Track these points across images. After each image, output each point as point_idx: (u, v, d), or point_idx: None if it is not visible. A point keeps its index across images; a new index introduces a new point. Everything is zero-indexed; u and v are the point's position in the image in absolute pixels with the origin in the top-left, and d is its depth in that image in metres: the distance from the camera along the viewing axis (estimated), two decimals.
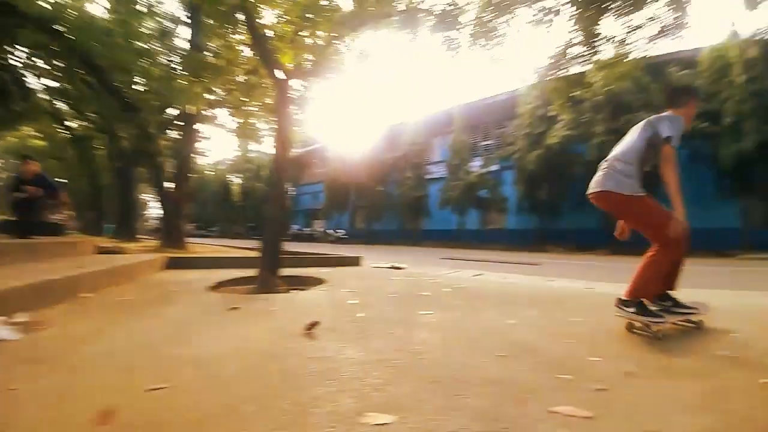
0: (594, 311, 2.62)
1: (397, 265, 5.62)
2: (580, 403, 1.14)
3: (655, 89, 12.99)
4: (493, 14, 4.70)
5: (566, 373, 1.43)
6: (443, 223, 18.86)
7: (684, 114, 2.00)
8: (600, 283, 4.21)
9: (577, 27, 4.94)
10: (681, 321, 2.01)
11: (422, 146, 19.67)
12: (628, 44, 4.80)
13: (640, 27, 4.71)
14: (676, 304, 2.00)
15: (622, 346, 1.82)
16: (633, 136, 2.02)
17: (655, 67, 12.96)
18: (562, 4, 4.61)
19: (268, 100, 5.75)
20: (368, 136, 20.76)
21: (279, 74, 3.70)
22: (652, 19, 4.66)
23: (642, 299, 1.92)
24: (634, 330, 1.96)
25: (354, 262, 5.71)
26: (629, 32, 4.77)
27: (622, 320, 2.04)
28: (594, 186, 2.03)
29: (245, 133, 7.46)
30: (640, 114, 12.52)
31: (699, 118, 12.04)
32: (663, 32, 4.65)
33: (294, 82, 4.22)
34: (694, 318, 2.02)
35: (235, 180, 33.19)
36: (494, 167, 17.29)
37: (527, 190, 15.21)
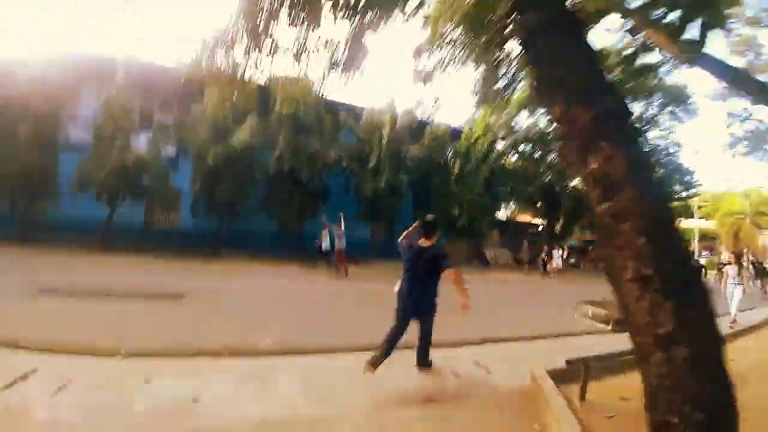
0: None
1: None
2: None
3: (329, 123, 15.07)
4: None
5: None
6: (85, 212, 12.98)
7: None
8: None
9: (241, 14, 3.74)
10: None
11: (59, 93, 12.74)
12: (300, 63, 4.18)
13: (311, 50, 4.20)
14: None
15: None
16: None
17: (331, 107, 15.26)
18: None
19: None
20: None
21: None
22: (327, 44, 4.21)
23: None
24: None
25: None
26: (300, 49, 4.12)
27: None
28: None
29: None
30: (313, 138, 14.15)
31: (352, 160, 15.17)
32: (334, 66, 4.33)
33: None
34: None
35: None
36: (169, 151, 13.91)
37: (205, 187, 13.21)
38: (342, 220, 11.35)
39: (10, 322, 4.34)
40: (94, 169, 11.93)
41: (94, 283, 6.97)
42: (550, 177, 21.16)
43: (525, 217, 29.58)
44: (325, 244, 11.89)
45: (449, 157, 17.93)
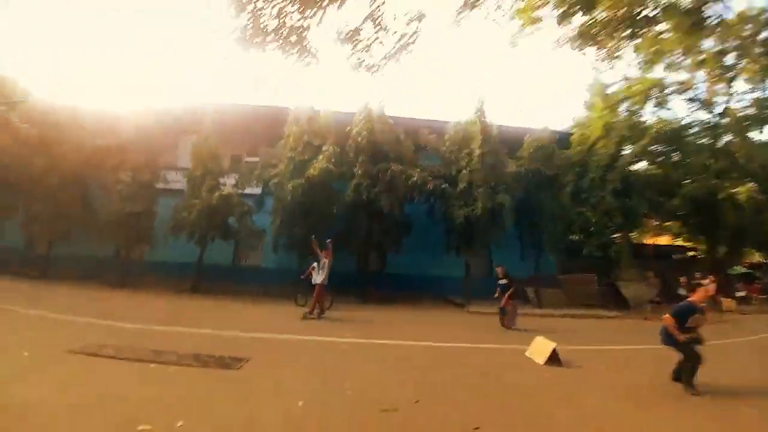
0: None
1: None
2: None
3: (407, 146, 13.35)
4: None
5: None
6: (179, 254, 13.44)
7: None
8: None
9: None
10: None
11: (159, 143, 13.81)
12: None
13: None
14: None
15: None
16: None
17: (412, 127, 13.73)
18: None
19: None
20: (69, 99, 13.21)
21: None
22: None
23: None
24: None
25: None
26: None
27: None
28: None
29: None
30: (393, 164, 12.37)
31: (438, 179, 12.84)
32: None
33: None
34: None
35: None
36: (255, 190, 13.76)
37: (285, 224, 12.45)
38: (329, 246, 9.33)
39: None
40: (186, 212, 12.12)
41: (152, 338, 5.97)
42: (697, 184, 15.73)
43: (664, 239, 23.09)
44: (316, 277, 9.50)
45: (560, 169, 14.46)
